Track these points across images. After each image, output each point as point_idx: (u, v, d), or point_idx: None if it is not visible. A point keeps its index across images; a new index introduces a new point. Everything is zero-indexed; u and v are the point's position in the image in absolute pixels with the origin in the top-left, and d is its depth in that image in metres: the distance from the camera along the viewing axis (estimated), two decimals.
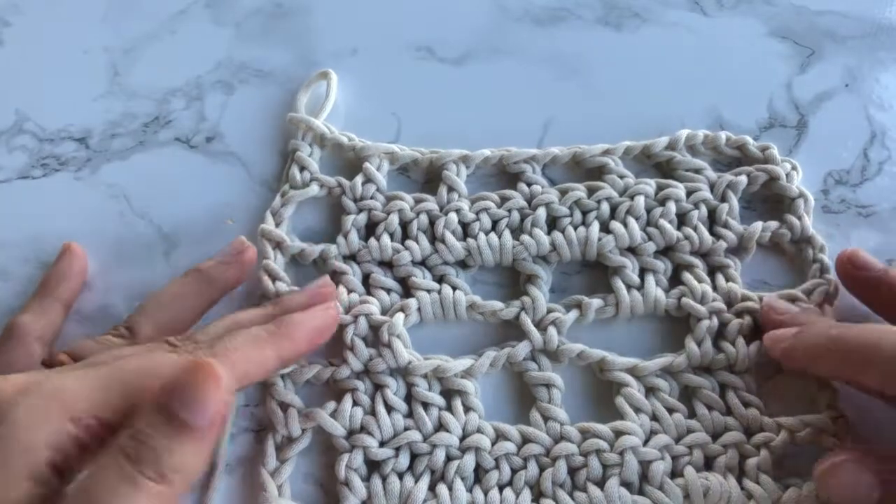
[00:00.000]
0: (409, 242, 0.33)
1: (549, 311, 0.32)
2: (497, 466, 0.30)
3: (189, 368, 0.22)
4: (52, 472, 0.22)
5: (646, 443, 0.30)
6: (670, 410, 0.31)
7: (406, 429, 0.30)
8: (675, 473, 0.29)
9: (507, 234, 0.33)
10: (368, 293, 0.33)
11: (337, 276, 0.33)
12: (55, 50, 0.40)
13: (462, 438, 0.30)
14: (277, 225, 0.34)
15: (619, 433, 0.30)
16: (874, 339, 0.26)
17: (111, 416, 0.23)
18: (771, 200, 0.35)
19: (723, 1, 0.40)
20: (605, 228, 0.33)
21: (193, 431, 0.21)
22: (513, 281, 0.34)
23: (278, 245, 0.34)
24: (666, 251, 0.34)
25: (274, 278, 0.33)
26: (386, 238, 0.34)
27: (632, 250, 0.33)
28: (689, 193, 0.34)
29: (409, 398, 0.31)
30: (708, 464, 0.30)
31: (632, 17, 0.40)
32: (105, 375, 0.24)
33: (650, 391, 0.31)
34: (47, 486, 0.22)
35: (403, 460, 0.30)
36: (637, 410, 0.30)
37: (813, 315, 0.30)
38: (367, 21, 0.40)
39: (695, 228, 0.33)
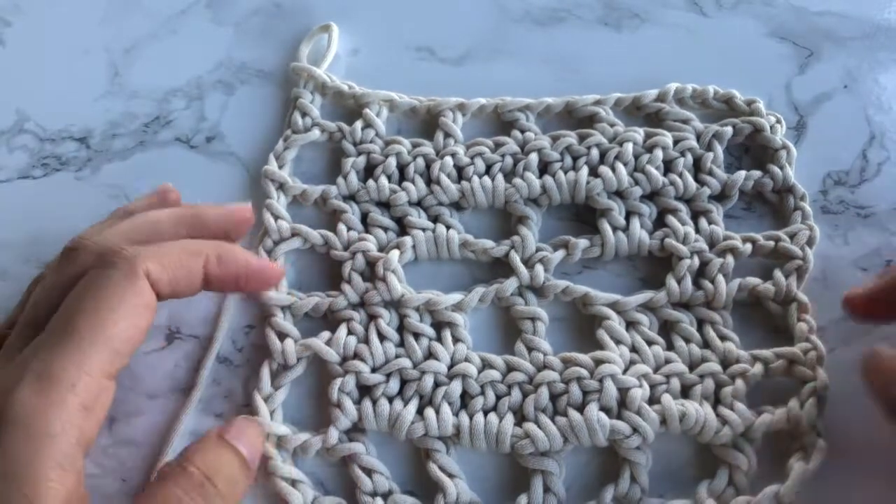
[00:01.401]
0: (406, 184, 0.35)
1: (538, 249, 0.33)
2: (482, 393, 0.30)
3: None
4: (79, 450, 0.23)
5: (625, 372, 0.30)
6: (649, 343, 0.31)
7: (397, 356, 0.31)
8: (652, 401, 0.30)
9: (500, 178, 0.34)
10: (367, 231, 0.34)
11: (337, 215, 0.34)
12: (56, 50, 0.40)
13: (450, 367, 0.31)
14: (280, 167, 0.35)
15: (599, 362, 0.30)
16: None
17: (96, 366, 0.24)
18: (757, 154, 0.36)
19: (722, 1, 0.40)
20: (594, 173, 0.34)
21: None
22: (504, 228, 0.35)
23: (281, 186, 0.35)
24: (652, 196, 0.34)
25: (276, 217, 0.34)
26: (384, 179, 0.35)
27: (619, 194, 0.34)
28: (676, 142, 0.35)
29: (401, 329, 0.32)
30: (685, 393, 0.30)
31: (632, 18, 0.40)
32: (68, 334, 0.24)
33: (630, 325, 0.32)
34: (75, 468, 0.23)
35: (393, 385, 0.31)
36: (617, 342, 0.31)
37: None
38: (367, 21, 0.40)
39: (680, 175, 0.34)
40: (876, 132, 0.36)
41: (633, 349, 0.31)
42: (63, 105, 0.38)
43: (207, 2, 0.41)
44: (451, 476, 0.29)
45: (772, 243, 0.33)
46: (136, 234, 0.29)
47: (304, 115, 0.37)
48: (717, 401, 0.30)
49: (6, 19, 0.41)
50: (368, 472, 0.29)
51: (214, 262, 0.28)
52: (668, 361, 0.31)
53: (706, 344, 0.31)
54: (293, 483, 0.29)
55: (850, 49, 0.39)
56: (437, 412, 0.30)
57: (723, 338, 0.31)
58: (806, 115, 0.37)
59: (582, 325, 0.33)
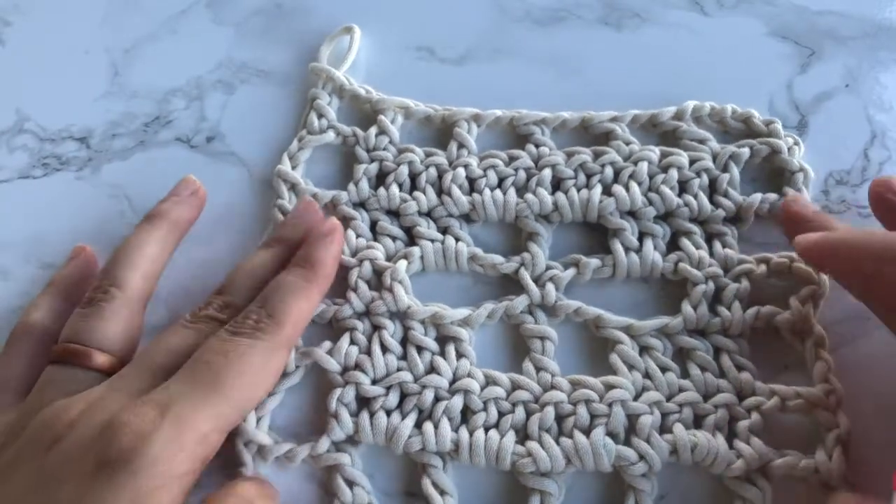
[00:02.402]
0: (417, 193, 0.34)
1: (548, 268, 0.33)
2: (485, 409, 0.30)
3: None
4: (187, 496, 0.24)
5: (636, 398, 0.30)
6: (663, 369, 0.31)
7: (399, 370, 0.31)
8: (663, 430, 0.29)
9: (511, 192, 0.34)
10: (375, 239, 0.34)
11: (346, 221, 0.34)
12: (56, 50, 0.40)
13: (452, 382, 0.31)
14: (294, 168, 0.35)
15: (609, 387, 0.30)
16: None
17: (226, 424, 0.26)
18: (774, 176, 0.35)
19: (723, 1, 0.40)
20: (607, 192, 0.34)
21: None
22: (514, 243, 0.34)
23: (293, 187, 0.35)
24: (666, 217, 0.34)
25: None
26: (395, 188, 0.34)
27: (632, 214, 0.34)
28: (692, 162, 0.34)
29: (404, 342, 0.32)
30: (698, 423, 0.30)
31: (632, 17, 0.40)
32: (215, 391, 0.25)
33: (644, 350, 0.31)
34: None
35: (393, 399, 0.30)
36: (630, 367, 0.31)
37: (831, 219, 0.31)
38: (367, 21, 0.40)
39: (695, 196, 0.34)
40: (877, 131, 0.36)
41: (647, 375, 0.31)
42: (63, 105, 0.38)
43: (207, 2, 0.41)
44: (442, 493, 0.29)
45: (786, 261, 0.32)
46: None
47: (320, 116, 0.37)
48: (732, 433, 0.30)
49: (6, 19, 0.41)
50: (350, 483, 0.29)
51: (325, 285, 0.31)
52: (681, 389, 0.30)
53: (722, 373, 0.31)
54: None
55: (851, 48, 0.38)
56: (436, 427, 0.30)
57: (739, 367, 0.31)
58: (807, 114, 0.37)
59: (593, 345, 0.32)
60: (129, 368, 0.27)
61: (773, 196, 0.34)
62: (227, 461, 0.29)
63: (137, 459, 0.23)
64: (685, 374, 0.31)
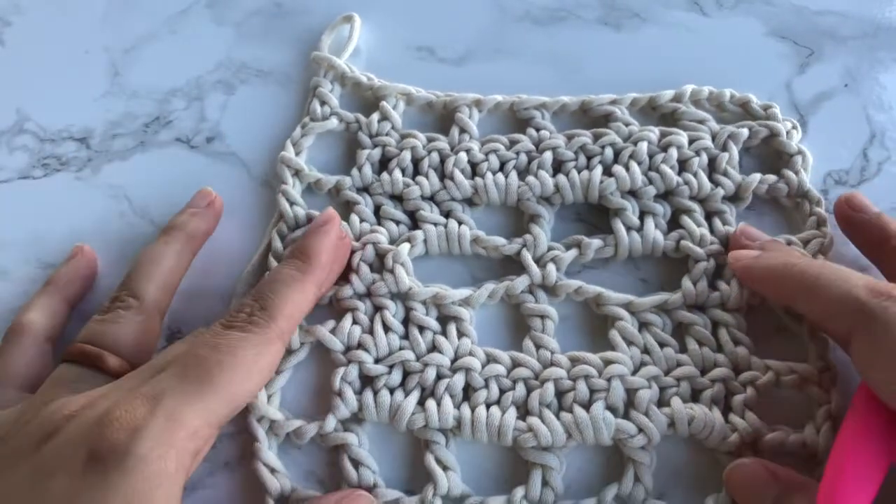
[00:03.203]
0: (420, 178, 0.35)
1: (550, 248, 0.33)
2: (486, 386, 0.30)
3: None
4: (181, 491, 0.24)
5: (635, 373, 0.30)
6: (661, 345, 0.31)
7: (401, 348, 0.31)
8: (661, 403, 0.30)
9: (513, 175, 0.34)
10: (379, 224, 0.34)
11: (350, 206, 0.34)
12: (56, 50, 0.40)
13: (454, 360, 0.31)
14: (297, 154, 0.36)
15: (608, 362, 0.30)
16: (816, 272, 0.28)
17: (216, 419, 0.25)
18: (772, 158, 0.35)
19: (722, 1, 0.40)
20: (607, 172, 0.34)
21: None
22: (516, 226, 0.35)
23: (297, 173, 0.35)
24: (666, 196, 0.34)
25: (291, 203, 0.34)
26: (398, 173, 0.35)
27: (633, 194, 0.34)
28: (692, 142, 0.35)
29: (406, 322, 0.32)
30: (695, 397, 0.30)
31: (632, 17, 0.40)
32: (205, 385, 0.25)
33: (643, 326, 0.32)
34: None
35: (396, 377, 0.31)
36: (629, 343, 0.31)
37: (781, 246, 0.32)
38: (367, 21, 0.40)
39: (695, 174, 0.34)
40: (876, 131, 0.36)
41: (645, 350, 0.31)
42: (63, 105, 0.38)
43: (207, 2, 0.41)
44: (445, 469, 0.29)
45: (783, 241, 0.33)
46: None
47: (322, 103, 0.37)
48: (727, 407, 0.30)
49: (6, 19, 0.41)
50: (356, 463, 0.30)
51: (325, 280, 0.31)
52: (679, 364, 0.31)
53: (719, 347, 0.31)
54: (272, 471, 0.29)
55: (850, 48, 0.38)
56: (439, 404, 0.30)
57: (736, 342, 0.31)
58: (806, 114, 0.37)
59: (592, 325, 0.33)
60: (137, 370, 0.27)
61: (771, 177, 0.34)
62: (240, 437, 0.30)
63: (128, 456, 0.23)
64: (683, 349, 0.31)
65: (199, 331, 0.29)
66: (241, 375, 0.26)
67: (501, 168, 0.35)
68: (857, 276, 0.27)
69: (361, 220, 0.34)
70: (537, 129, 0.36)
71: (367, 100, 0.38)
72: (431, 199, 0.35)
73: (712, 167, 0.34)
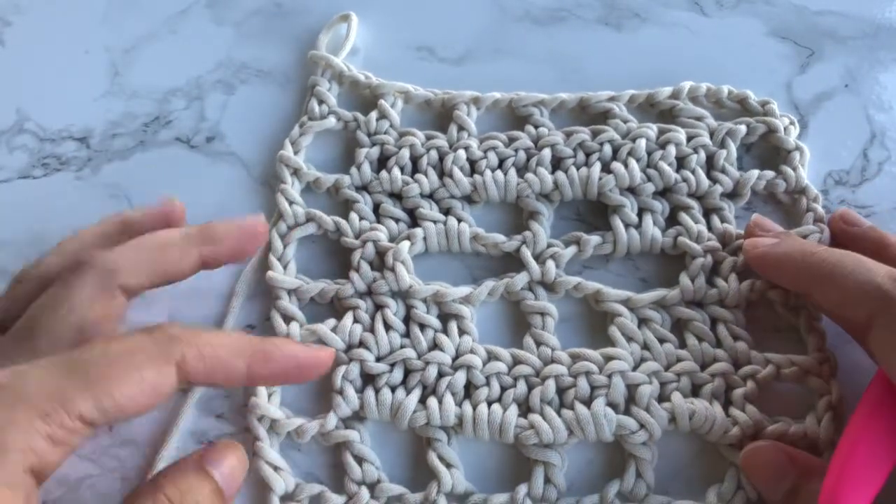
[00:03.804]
0: (419, 176, 0.35)
1: (549, 245, 0.33)
2: (487, 384, 0.30)
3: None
4: (30, 476, 0.22)
5: (635, 369, 0.30)
6: (661, 340, 0.31)
7: (402, 347, 0.31)
8: (662, 399, 0.30)
9: (512, 172, 0.34)
10: (378, 222, 0.34)
11: (349, 205, 0.34)
12: (56, 50, 0.40)
13: (455, 358, 0.31)
14: (296, 153, 0.36)
15: (608, 358, 0.31)
16: (836, 259, 0.28)
17: (84, 410, 0.23)
18: (772, 157, 0.36)
19: (723, 1, 0.40)
20: (606, 169, 0.34)
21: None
22: (516, 223, 0.35)
23: (296, 172, 0.35)
24: (664, 193, 0.34)
25: (291, 202, 0.34)
26: (396, 171, 0.35)
27: (631, 190, 0.34)
28: (690, 139, 0.35)
29: (407, 320, 0.32)
30: (695, 392, 0.30)
31: (632, 18, 0.40)
32: (76, 369, 0.23)
33: (643, 322, 0.32)
34: (23, 489, 0.22)
35: (397, 375, 0.31)
36: (629, 339, 0.31)
37: (796, 237, 0.32)
38: (367, 21, 0.40)
39: (693, 171, 0.34)
40: (877, 131, 0.36)
41: (645, 346, 0.31)
42: (63, 105, 0.38)
43: (207, 2, 0.41)
44: (448, 466, 0.29)
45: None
46: (145, 263, 0.28)
47: (320, 102, 0.37)
48: (728, 402, 0.30)
49: (6, 19, 0.41)
50: (359, 460, 0.30)
51: (261, 361, 0.26)
52: (679, 360, 0.31)
53: (718, 343, 0.31)
54: (276, 469, 0.29)
55: (850, 48, 0.38)
56: (440, 402, 0.30)
57: (735, 337, 0.31)
58: (807, 114, 0.37)
59: (591, 323, 0.33)
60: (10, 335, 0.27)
61: (769, 173, 0.34)
62: (241, 438, 0.30)
63: None
64: (683, 345, 0.31)
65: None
66: (117, 382, 0.23)
67: (500, 165, 0.35)
68: (878, 264, 0.27)
69: (361, 219, 0.34)
70: (536, 127, 0.36)
71: (366, 98, 0.38)
72: (430, 196, 0.35)
73: (710, 164, 0.35)
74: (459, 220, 0.34)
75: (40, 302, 0.28)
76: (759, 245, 0.31)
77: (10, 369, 0.23)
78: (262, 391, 0.30)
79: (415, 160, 0.35)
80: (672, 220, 0.34)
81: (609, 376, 0.30)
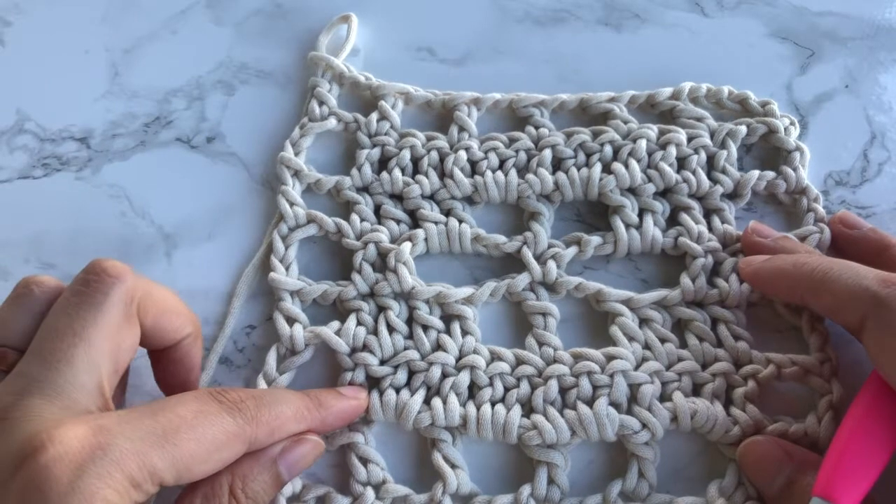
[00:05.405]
0: (420, 177, 0.35)
1: (550, 246, 0.33)
2: (491, 384, 0.31)
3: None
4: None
5: (636, 368, 0.30)
6: (662, 340, 0.31)
7: (406, 348, 0.31)
8: (663, 398, 0.30)
9: (513, 173, 0.34)
10: (379, 223, 0.34)
11: (350, 206, 0.34)
12: (56, 50, 0.40)
13: (458, 359, 0.31)
14: (296, 155, 0.36)
15: (610, 358, 0.31)
16: (827, 267, 0.28)
17: (166, 479, 0.24)
18: (772, 158, 0.36)
19: (723, 2, 0.40)
20: (607, 170, 0.34)
21: None
22: (516, 224, 0.35)
23: (296, 173, 0.35)
24: (665, 193, 0.34)
25: (291, 203, 0.34)
26: (397, 172, 0.35)
27: (632, 191, 0.34)
28: (690, 139, 0.35)
29: (410, 321, 0.32)
30: (696, 391, 0.31)
31: (632, 18, 0.40)
32: (165, 442, 0.24)
33: (644, 322, 0.32)
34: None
35: (401, 376, 0.31)
36: (630, 339, 0.31)
37: (793, 242, 0.32)
38: (367, 21, 0.40)
39: (693, 172, 0.34)
40: (877, 132, 0.36)
41: (646, 346, 0.31)
42: (63, 105, 0.38)
43: (207, 2, 0.41)
44: (453, 467, 0.29)
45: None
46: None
47: (321, 103, 0.37)
48: (729, 401, 0.30)
49: (6, 19, 0.41)
50: (364, 461, 0.30)
51: (318, 427, 0.28)
52: (680, 359, 0.31)
53: (719, 343, 0.31)
54: None
55: (850, 49, 0.39)
56: (445, 402, 0.30)
57: (736, 337, 0.31)
58: (807, 115, 0.37)
59: (593, 322, 0.33)
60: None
61: (769, 173, 0.34)
62: None
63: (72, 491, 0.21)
64: (684, 344, 0.31)
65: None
66: (203, 449, 0.24)
67: (501, 166, 0.35)
68: (867, 269, 0.28)
69: (362, 220, 0.34)
70: (536, 127, 0.36)
71: (366, 99, 0.38)
72: (431, 197, 0.35)
73: (711, 164, 0.35)
74: (460, 221, 0.34)
75: None
76: (752, 263, 0.31)
77: (97, 424, 0.23)
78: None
79: (415, 161, 0.35)
80: (673, 220, 0.34)
81: (611, 376, 0.30)
